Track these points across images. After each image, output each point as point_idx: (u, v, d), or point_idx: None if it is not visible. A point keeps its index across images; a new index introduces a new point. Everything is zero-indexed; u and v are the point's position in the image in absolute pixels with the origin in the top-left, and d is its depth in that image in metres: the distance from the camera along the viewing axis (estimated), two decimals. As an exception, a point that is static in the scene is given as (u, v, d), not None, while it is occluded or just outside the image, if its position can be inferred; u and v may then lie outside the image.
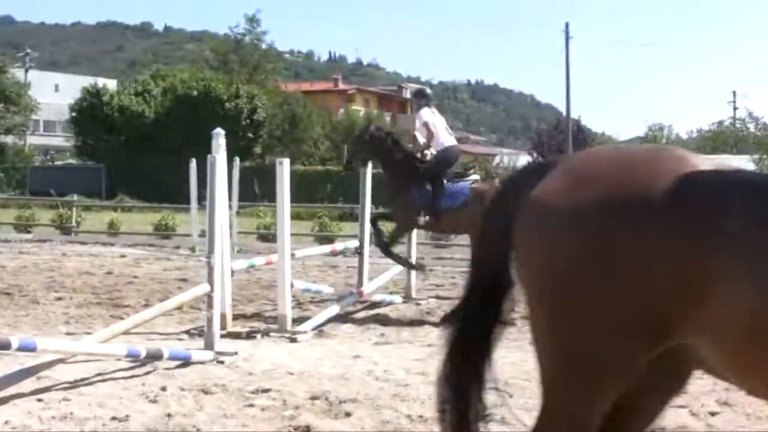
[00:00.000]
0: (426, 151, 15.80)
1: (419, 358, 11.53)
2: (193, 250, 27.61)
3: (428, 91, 18.02)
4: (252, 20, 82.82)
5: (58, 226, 35.30)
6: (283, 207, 13.47)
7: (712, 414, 8.72)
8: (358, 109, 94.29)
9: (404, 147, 16.31)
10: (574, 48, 70.94)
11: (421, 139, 16.02)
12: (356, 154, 16.99)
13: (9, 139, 76.62)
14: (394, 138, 16.53)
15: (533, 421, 8.04)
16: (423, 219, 16.05)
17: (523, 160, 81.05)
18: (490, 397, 9.13)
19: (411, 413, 8.57)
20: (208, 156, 12.14)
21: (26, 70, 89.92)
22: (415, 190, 15.59)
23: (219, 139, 12.55)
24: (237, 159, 23.84)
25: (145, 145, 63.56)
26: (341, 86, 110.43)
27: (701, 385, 9.81)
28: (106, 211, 41.88)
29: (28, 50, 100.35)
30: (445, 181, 15.56)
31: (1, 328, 13.33)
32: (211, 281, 11.48)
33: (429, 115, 16.11)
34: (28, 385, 9.47)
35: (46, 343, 9.81)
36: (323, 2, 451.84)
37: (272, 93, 75.71)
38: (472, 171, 16.70)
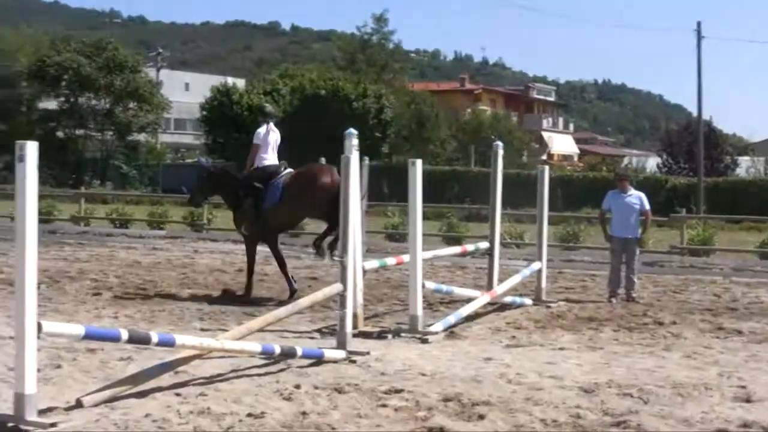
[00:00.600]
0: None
1: (551, 361, 11.47)
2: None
3: (268, 108, 19.04)
4: (380, 19, 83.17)
5: (190, 224, 35.78)
6: (416, 207, 13.44)
7: None
8: (485, 108, 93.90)
9: (234, 175, 18.15)
10: (706, 47, 69.27)
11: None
12: (199, 190, 18.62)
13: (142, 137, 77.81)
14: (225, 170, 18.81)
15: (669, 428, 7.95)
16: (246, 228, 17.48)
17: (652, 161, 79.84)
18: (625, 403, 9.09)
19: (545, 417, 8.52)
20: (342, 156, 12.20)
21: (158, 69, 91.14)
22: (245, 203, 17.24)
23: (352, 139, 12.62)
24: (366, 159, 23.92)
25: (275, 142, 63.93)
26: (468, 86, 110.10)
27: None
28: (235, 210, 42.22)
29: (160, 50, 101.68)
30: (262, 187, 17.02)
31: (137, 322, 13.60)
32: (344, 281, 11.55)
33: (261, 134, 17.46)
34: (166, 379, 9.68)
35: (184, 338, 9.99)
36: (449, 1, 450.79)
37: (399, 92, 75.80)
38: (283, 167, 17.52)
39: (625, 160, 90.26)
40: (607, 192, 18.42)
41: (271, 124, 17.76)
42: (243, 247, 17.84)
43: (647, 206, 18.02)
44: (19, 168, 7.95)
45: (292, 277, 17.40)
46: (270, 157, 17.50)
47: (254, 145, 17.50)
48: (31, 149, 7.99)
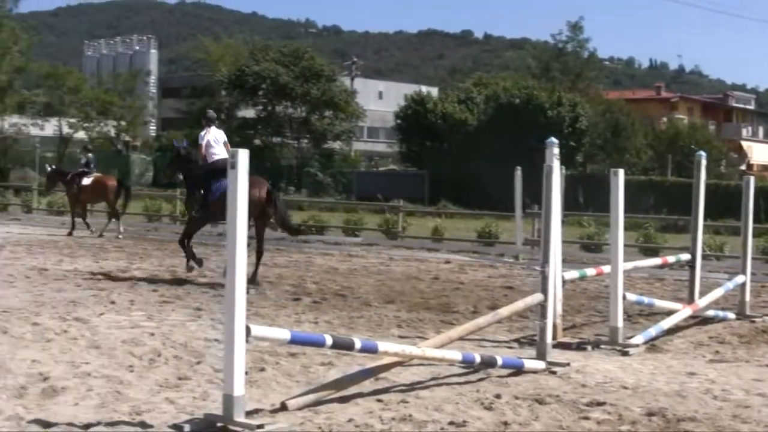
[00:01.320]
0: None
1: (758, 378, 11.22)
2: (517, 258, 27.76)
3: (210, 114, 21.07)
4: (575, 27, 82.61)
5: (385, 231, 36.10)
6: (617, 218, 13.29)
7: None
8: (682, 117, 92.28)
9: (194, 162, 20.12)
10: None
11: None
12: (169, 167, 21.77)
13: (336, 145, 78.73)
14: (189, 156, 20.43)
15: None
16: (196, 211, 19.73)
17: None
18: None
19: (754, 435, 8.33)
20: (544, 165, 12.14)
21: (352, 78, 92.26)
22: (196, 191, 19.83)
23: (553, 148, 12.53)
24: (563, 168, 23.77)
25: (467, 153, 64.05)
26: (663, 94, 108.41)
27: None
28: (428, 217, 42.54)
29: (354, 59, 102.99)
30: (212, 182, 18.93)
31: (336, 328, 13.78)
32: (545, 291, 11.49)
33: (202, 135, 19.69)
34: (367, 385, 9.79)
35: (386, 345, 10.07)
36: (644, 8, 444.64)
37: (594, 101, 75.14)
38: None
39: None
40: None
41: (213, 127, 19.85)
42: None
43: None
44: (231, 174, 8.15)
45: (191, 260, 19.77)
46: (219, 152, 19.29)
47: (198, 145, 19.84)
48: (243, 156, 8.22)
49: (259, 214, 18.19)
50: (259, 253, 18.77)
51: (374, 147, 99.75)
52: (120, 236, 30.20)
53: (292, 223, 21.35)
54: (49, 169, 35.46)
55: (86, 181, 31.97)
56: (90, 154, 34.24)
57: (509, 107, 66.35)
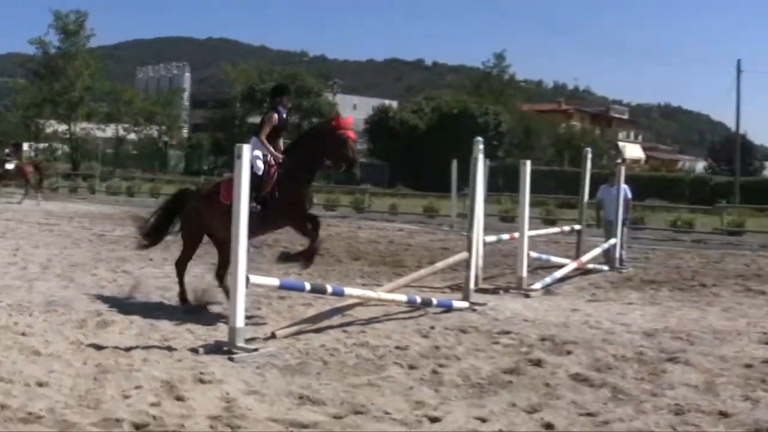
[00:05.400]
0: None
1: (622, 312, 11.36)
2: (452, 226, 27.80)
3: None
4: (499, 57, 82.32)
5: (355, 207, 36.19)
6: (525, 197, 13.38)
7: None
8: (576, 124, 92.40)
9: None
10: (744, 77, 67.66)
11: None
12: None
13: (321, 144, 79.21)
14: None
15: (709, 363, 7.80)
16: None
17: (700, 165, 78.28)
18: (676, 344, 8.90)
19: (616, 353, 8.42)
20: (472, 158, 12.19)
21: (334, 94, 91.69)
22: None
23: (479, 145, 12.55)
24: (487, 160, 23.79)
25: (418, 149, 64.18)
26: (563, 107, 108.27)
27: None
28: (388, 197, 42.58)
29: (336, 80, 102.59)
30: None
31: (315, 278, 13.71)
32: (470, 250, 11.57)
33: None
34: (336, 320, 9.82)
35: (350, 290, 10.12)
36: (550, 42, 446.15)
37: (512, 112, 75.15)
38: None
39: (680, 164, 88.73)
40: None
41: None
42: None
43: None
44: (237, 164, 8.15)
45: None
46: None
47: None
48: (246, 150, 8.22)
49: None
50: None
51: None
52: (39, 204, 30.60)
53: None
54: None
55: (9, 166, 32.75)
56: (10, 148, 35.65)
57: (449, 116, 66.66)
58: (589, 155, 17.23)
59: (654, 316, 11.05)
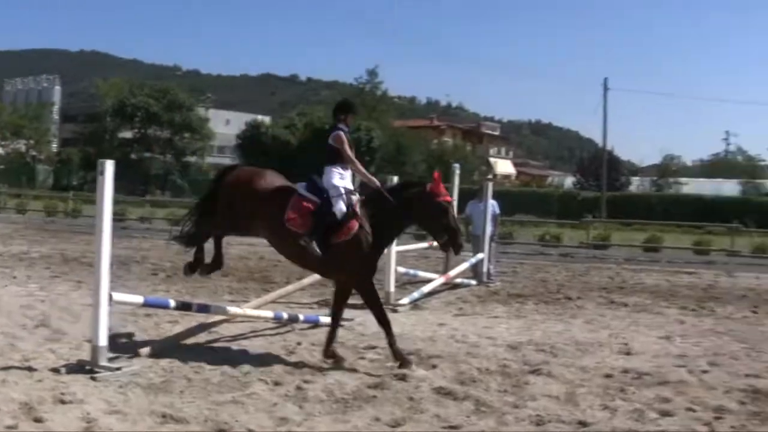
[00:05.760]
0: None
1: (487, 326, 11.55)
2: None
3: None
4: (372, 73, 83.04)
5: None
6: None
7: (704, 372, 8.60)
8: (448, 140, 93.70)
9: None
10: (610, 95, 70.11)
11: None
12: None
13: (193, 159, 78.53)
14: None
15: (571, 374, 8.01)
16: None
17: (569, 180, 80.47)
18: (539, 356, 9.11)
19: (480, 366, 8.56)
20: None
21: (206, 109, 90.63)
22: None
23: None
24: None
25: (290, 164, 63.93)
26: (435, 123, 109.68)
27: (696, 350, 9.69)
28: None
29: (209, 95, 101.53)
30: None
31: (183, 295, 13.56)
32: (336, 266, 11.52)
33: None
34: (203, 337, 9.73)
35: (216, 307, 10.05)
36: (425, 57, 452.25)
37: (384, 128, 75.75)
38: None
39: (549, 179, 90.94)
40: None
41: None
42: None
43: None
44: (99, 180, 7.96)
45: None
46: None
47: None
48: (109, 166, 8.02)
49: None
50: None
51: (222, 161, 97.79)
52: None
53: None
54: None
55: None
56: None
57: (322, 131, 65.87)
58: (458, 171, 17.54)
59: (519, 329, 11.28)
